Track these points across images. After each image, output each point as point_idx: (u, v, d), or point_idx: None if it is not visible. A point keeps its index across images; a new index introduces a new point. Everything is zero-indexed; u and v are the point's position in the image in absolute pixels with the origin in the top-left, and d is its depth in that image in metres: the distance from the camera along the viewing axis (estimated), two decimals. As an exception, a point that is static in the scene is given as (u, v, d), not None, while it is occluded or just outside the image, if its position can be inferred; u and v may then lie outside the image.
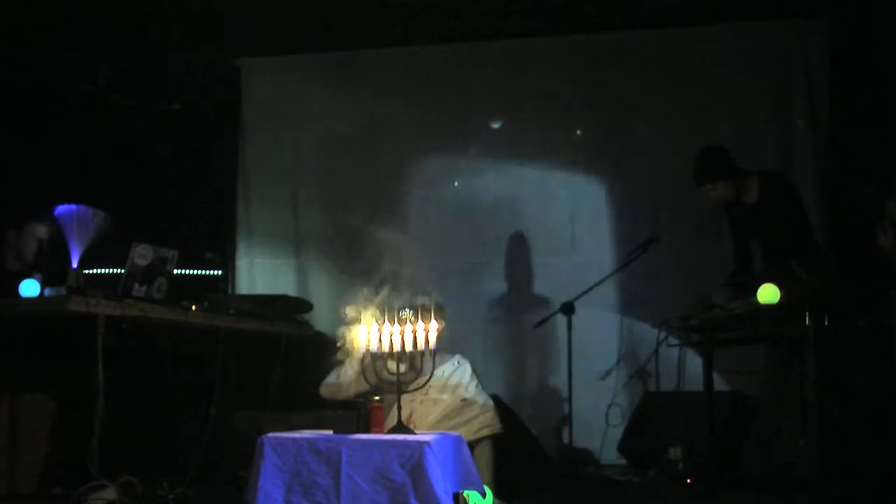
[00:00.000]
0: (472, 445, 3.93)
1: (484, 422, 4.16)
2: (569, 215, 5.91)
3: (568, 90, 5.94)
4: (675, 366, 5.06)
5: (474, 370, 4.36)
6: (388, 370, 3.77)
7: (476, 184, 6.05)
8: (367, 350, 3.69)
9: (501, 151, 6.03)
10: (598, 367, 5.54)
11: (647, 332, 5.28)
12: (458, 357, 4.30)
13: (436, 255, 5.85)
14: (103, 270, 4.92)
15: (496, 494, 3.94)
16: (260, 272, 6.20)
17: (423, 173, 6.09)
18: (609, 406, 5.37)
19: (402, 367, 3.67)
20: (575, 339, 5.14)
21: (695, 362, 4.96)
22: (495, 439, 4.18)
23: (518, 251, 5.93)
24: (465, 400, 4.17)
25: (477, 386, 4.29)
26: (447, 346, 3.97)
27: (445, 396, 4.17)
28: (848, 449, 3.99)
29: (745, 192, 4.55)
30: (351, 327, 3.79)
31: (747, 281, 4.24)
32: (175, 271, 4.47)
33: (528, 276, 5.90)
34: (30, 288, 3.91)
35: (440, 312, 3.82)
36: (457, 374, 4.24)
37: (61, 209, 4.31)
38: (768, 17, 5.69)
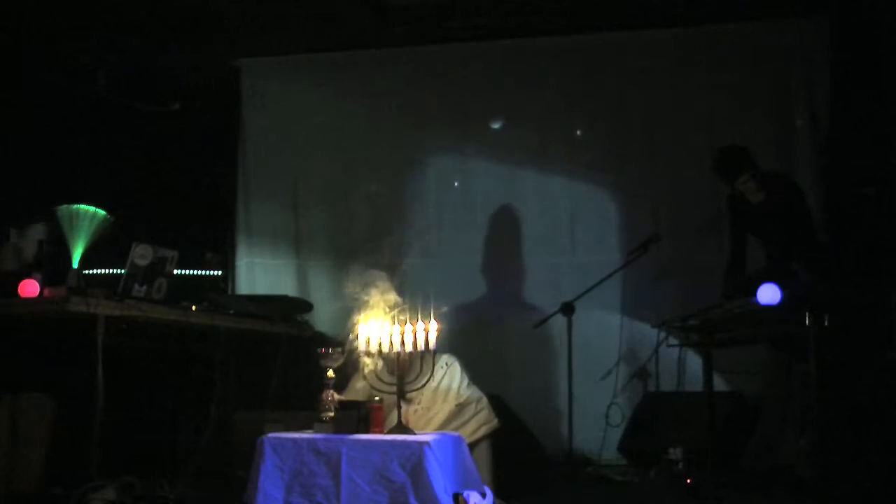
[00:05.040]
0: (472, 447, 3.93)
1: (480, 420, 4.15)
2: (569, 215, 5.91)
3: (568, 90, 5.94)
4: (675, 366, 5.06)
5: (463, 368, 4.34)
6: (388, 371, 3.77)
7: (476, 184, 6.05)
8: (367, 354, 3.70)
9: (501, 152, 6.03)
10: (598, 367, 5.53)
11: (647, 332, 5.28)
12: (445, 358, 4.27)
13: (436, 255, 5.85)
14: (103, 270, 4.92)
15: (496, 493, 3.95)
16: (260, 272, 6.20)
17: (423, 173, 6.09)
18: (609, 406, 5.37)
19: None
20: (575, 339, 5.13)
21: (695, 362, 4.96)
22: (493, 435, 4.17)
23: (518, 251, 5.93)
24: (459, 405, 4.16)
25: (469, 385, 4.26)
26: (442, 346, 3.96)
27: (439, 404, 4.16)
28: (848, 449, 3.99)
29: (752, 192, 4.57)
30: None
31: (746, 281, 4.25)
32: (175, 271, 4.47)
33: (528, 276, 5.90)
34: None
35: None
36: (447, 378, 4.22)
37: (61, 209, 4.31)
38: (768, 17, 5.69)
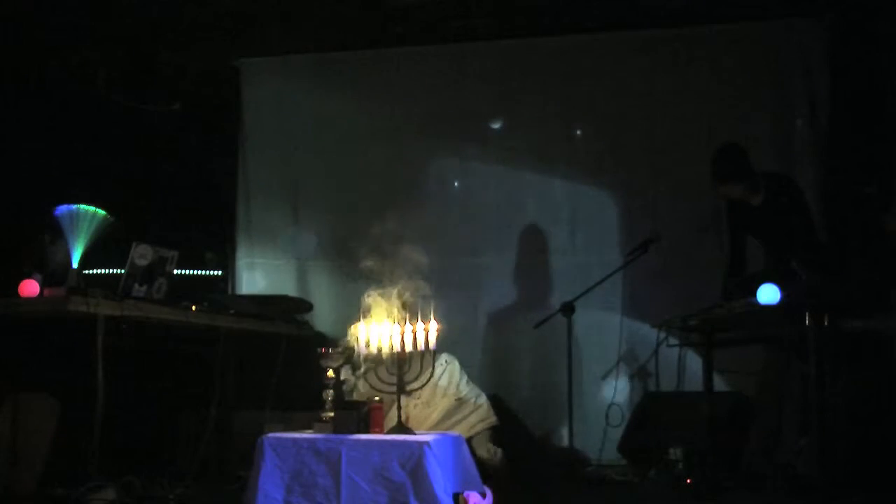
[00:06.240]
0: (470, 440, 3.94)
1: (479, 416, 4.18)
2: (569, 215, 5.91)
3: (567, 90, 5.93)
4: (675, 366, 5.06)
5: (462, 366, 4.36)
6: (388, 370, 3.77)
7: (476, 184, 6.05)
8: (367, 353, 3.70)
9: (501, 151, 6.03)
10: (598, 367, 5.53)
11: (647, 332, 5.27)
12: (445, 356, 4.30)
13: (435, 255, 5.84)
14: (103, 270, 4.92)
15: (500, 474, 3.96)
16: (260, 272, 6.20)
17: (422, 173, 6.09)
18: (609, 406, 5.37)
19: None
20: (575, 340, 5.14)
21: (695, 362, 4.96)
22: (493, 430, 4.19)
23: (518, 251, 5.93)
24: (459, 399, 4.18)
25: (468, 382, 4.30)
26: (441, 345, 3.96)
27: (438, 399, 4.18)
28: (848, 449, 3.99)
29: (752, 194, 4.57)
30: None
31: (746, 281, 4.25)
32: (175, 271, 4.47)
33: (528, 276, 5.90)
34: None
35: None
36: (446, 375, 4.25)
37: (61, 209, 4.31)
38: (768, 18, 5.69)
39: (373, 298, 3.86)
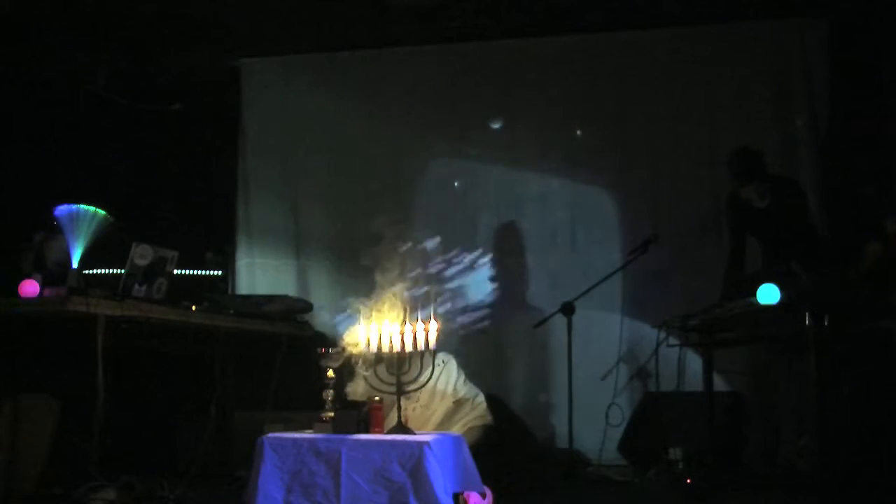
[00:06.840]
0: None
1: (476, 414, 4.17)
2: (569, 215, 5.91)
3: (568, 90, 5.94)
4: (675, 366, 5.06)
5: (459, 366, 4.35)
6: (387, 370, 3.77)
7: (476, 184, 6.05)
8: (368, 353, 3.70)
9: (501, 152, 6.03)
10: (598, 367, 5.53)
11: (647, 332, 5.28)
12: (442, 355, 4.28)
13: (435, 255, 5.85)
14: (103, 270, 4.92)
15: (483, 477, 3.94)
16: (260, 272, 6.20)
17: (422, 173, 6.09)
18: (609, 406, 5.37)
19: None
20: (575, 339, 5.14)
21: (695, 362, 4.96)
22: (486, 429, 4.19)
23: (518, 251, 5.93)
24: (457, 402, 4.18)
25: (465, 382, 4.29)
26: (442, 346, 3.96)
27: (437, 402, 4.18)
28: (848, 449, 3.99)
29: (759, 196, 4.57)
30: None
31: (746, 281, 4.25)
32: (175, 271, 4.47)
33: (528, 276, 5.90)
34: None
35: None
36: (444, 376, 4.24)
37: (61, 209, 4.31)
38: (768, 17, 5.69)
39: (377, 300, 3.85)
